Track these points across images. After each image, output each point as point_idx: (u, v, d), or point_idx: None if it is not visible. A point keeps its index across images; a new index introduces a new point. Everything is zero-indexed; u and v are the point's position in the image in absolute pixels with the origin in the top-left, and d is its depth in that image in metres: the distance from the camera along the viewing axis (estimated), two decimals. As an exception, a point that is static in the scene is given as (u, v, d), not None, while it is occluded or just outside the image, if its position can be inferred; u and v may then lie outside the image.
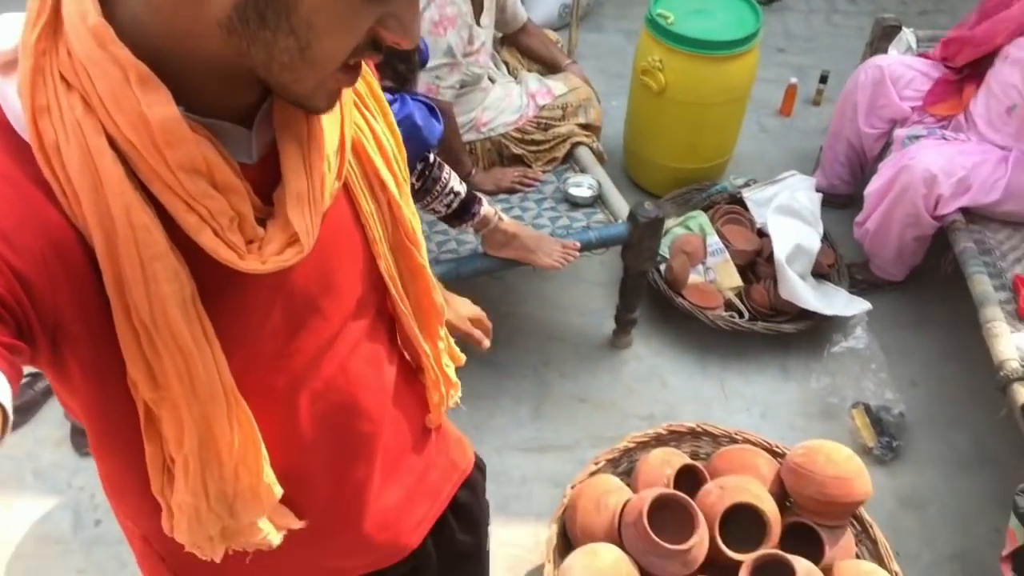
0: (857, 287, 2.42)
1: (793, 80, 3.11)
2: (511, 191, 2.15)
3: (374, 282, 0.78)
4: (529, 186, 2.16)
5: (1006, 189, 2.12)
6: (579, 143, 2.25)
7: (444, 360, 0.92)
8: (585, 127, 2.29)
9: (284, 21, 0.51)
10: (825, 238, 2.45)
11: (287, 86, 0.57)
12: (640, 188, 2.79)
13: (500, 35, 2.35)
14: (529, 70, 2.35)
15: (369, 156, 0.72)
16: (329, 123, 0.65)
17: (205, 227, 0.56)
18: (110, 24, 0.51)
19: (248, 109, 0.62)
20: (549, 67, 2.37)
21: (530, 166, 2.21)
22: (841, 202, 2.69)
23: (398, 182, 0.76)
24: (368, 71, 0.73)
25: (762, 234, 2.40)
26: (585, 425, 2.12)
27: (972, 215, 2.18)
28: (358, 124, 0.71)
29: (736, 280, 2.31)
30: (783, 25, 3.70)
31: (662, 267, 2.33)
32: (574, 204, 2.10)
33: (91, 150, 0.52)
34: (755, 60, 2.51)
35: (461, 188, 1.62)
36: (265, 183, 0.62)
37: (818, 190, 2.65)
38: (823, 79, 3.13)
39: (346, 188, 0.71)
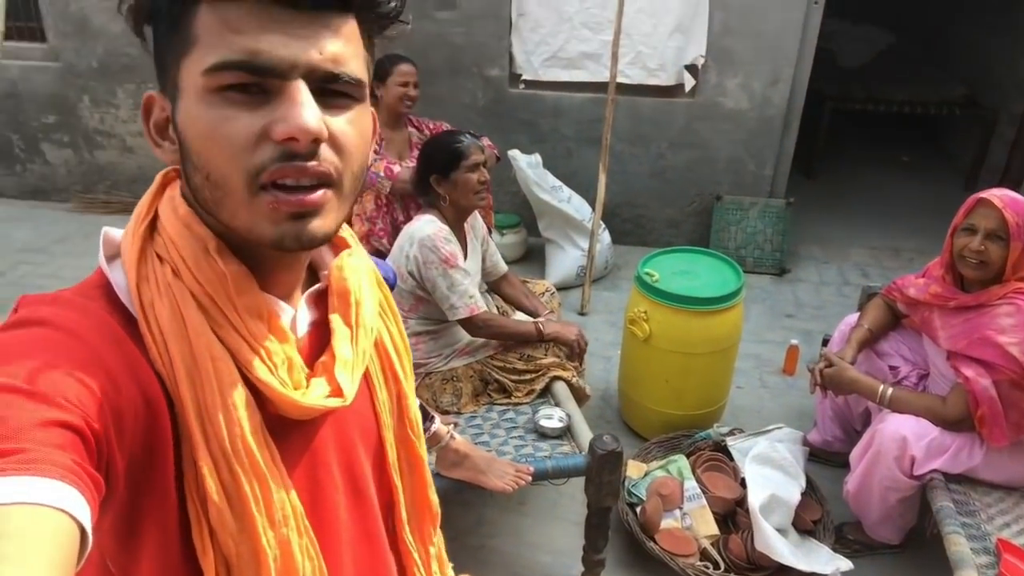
0: (849, 547, 2.31)
1: (794, 341, 3.22)
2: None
3: (381, 472, 0.85)
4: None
5: (984, 458, 2.08)
6: (558, 377, 2.37)
7: (433, 568, 0.93)
8: (568, 361, 2.42)
9: (189, 161, 0.64)
10: (813, 493, 2.39)
11: (233, 226, 0.64)
12: (633, 432, 2.83)
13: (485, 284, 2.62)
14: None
15: (387, 351, 0.85)
16: (370, 316, 0.80)
17: (262, 365, 0.67)
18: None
19: (294, 294, 0.76)
20: (528, 315, 2.58)
21: (511, 395, 2.33)
22: (839, 460, 2.64)
23: (407, 377, 0.87)
24: (387, 289, 0.88)
25: (745, 484, 2.36)
26: (538, 672, 1.99)
27: (958, 476, 2.12)
28: (378, 326, 0.84)
29: (713, 528, 2.25)
30: (794, 294, 3.90)
31: (638, 509, 2.30)
32: (543, 435, 2.17)
33: (179, 303, 0.65)
34: (738, 317, 2.66)
35: None
36: (308, 355, 0.75)
37: (814, 447, 2.64)
38: (825, 342, 3.22)
39: (366, 377, 0.82)
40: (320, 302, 0.78)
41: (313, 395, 0.70)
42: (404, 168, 2.99)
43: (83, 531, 0.52)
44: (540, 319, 2.48)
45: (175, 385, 0.64)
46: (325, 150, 0.63)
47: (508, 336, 2.36)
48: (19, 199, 4.92)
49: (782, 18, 3.81)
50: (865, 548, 2.33)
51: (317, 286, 0.78)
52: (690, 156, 4.14)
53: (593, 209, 3.77)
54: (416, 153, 3.14)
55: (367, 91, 0.68)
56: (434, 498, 0.92)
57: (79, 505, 0.52)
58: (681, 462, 2.42)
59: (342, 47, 0.63)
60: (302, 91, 0.60)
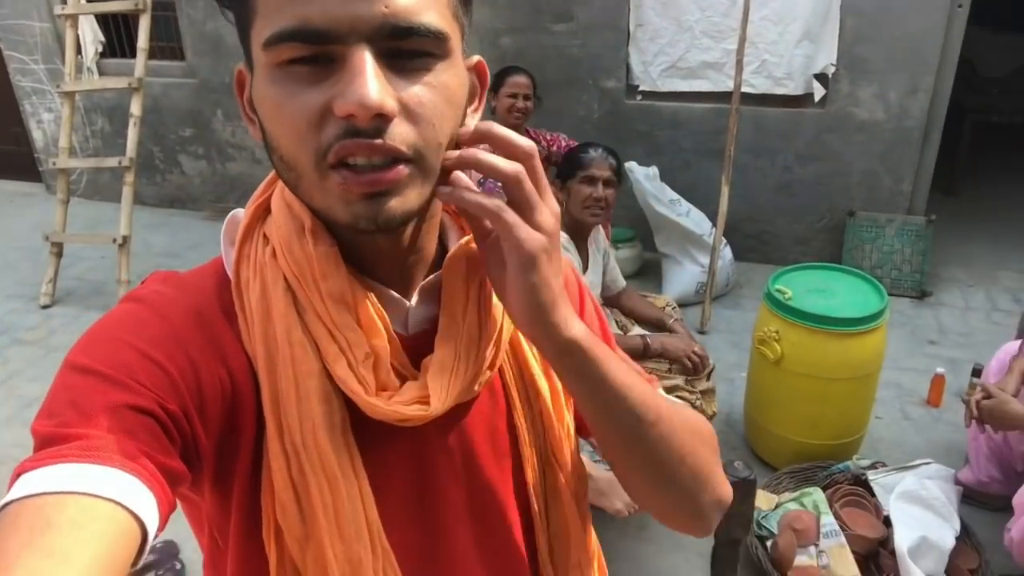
0: (1013, 604, 2.06)
1: (940, 371, 2.94)
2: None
3: (519, 496, 0.74)
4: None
5: None
6: (681, 399, 2.23)
7: None
8: (694, 387, 2.29)
9: (267, 141, 0.58)
10: (968, 539, 2.15)
11: (313, 208, 0.59)
12: (761, 460, 2.65)
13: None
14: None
15: (527, 360, 0.72)
16: (490, 311, 0.67)
17: (341, 358, 0.59)
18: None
19: (412, 283, 0.67)
20: (655, 325, 2.46)
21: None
22: (996, 503, 2.38)
23: (554, 394, 0.74)
24: None
25: (889, 523, 2.15)
26: None
27: None
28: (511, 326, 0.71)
29: (853, 570, 2.04)
30: (936, 319, 3.59)
31: (768, 543, 2.13)
32: (667, 459, 2.04)
33: (268, 283, 0.61)
34: (881, 341, 2.44)
35: None
36: (419, 355, 0.65)
37: (967, 487, 2.39)
38: (975, 372, 2.92)
39: (503, 389, 0.72)
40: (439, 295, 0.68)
41: (397, 400, 0.61)
42: None
43: (144, 531, 0.50)
44: (647, 333, 2.36)
45: (258, 369, 0.60)
46: (398, 124, 0.54)
47: None
48: (159, 207, 5.19)
49: (921, 23, 3.55)
50: (1032, 605, 2.07)
51: (431, 277, 0.67)
52: (820, 169, 3.90)
53: (714, 224, 3.61)
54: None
55: (452, 44, 0.57)
56: (584, 537, 0.77)
57: (141, 497, 0.50)
58: (817, 495, 2.23)
59: None
60: (362, 59, 0.52)
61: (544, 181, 0.59)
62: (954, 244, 4.20)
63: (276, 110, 0.55)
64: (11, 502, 0.48)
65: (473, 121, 0.64)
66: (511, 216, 0.57)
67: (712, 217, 3.65)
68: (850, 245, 3.89)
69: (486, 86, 0.67)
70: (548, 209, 0.59)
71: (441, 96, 0.56)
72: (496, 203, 0.57)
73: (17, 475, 0.50)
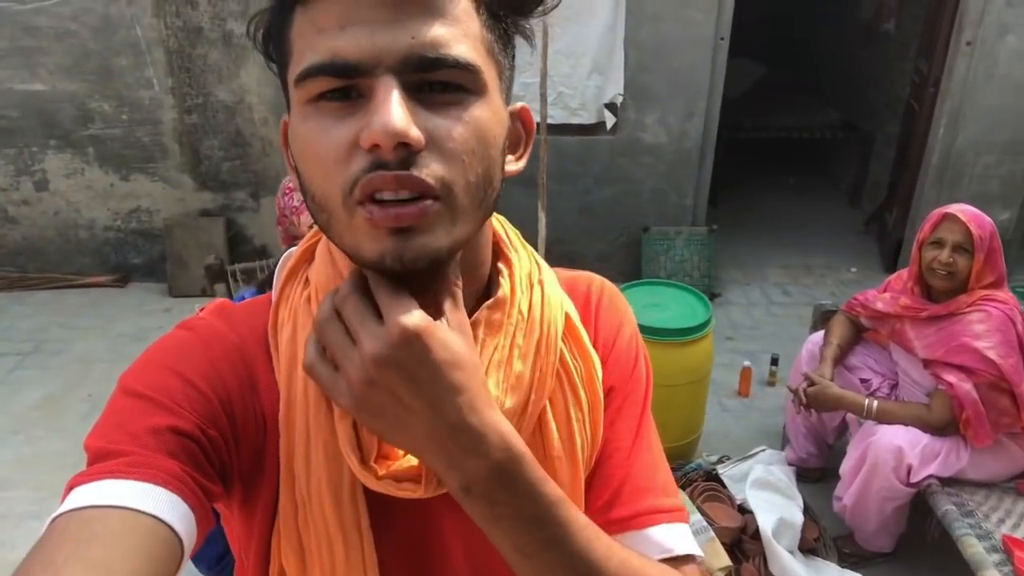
0: (847, 560, 2.37)
1: (746, 363, 3.31)
2: None
3: None
4: None
5: (970, 459, 2.19)
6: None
7: None
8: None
9: (301, 184, 0.56)
10: (806, 511, 2.44)
11: (344, 249, 0.55)
12: (615, 471, 2.80)
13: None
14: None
15: (550, 436, 0.66)
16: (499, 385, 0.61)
17: (348, 417, 0.57)
18: None
19: None
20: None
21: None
22: (814, 476, 2.73)
23: (575, 476, 0.67)
24: (590, 353, 0.71)
25: (743, 510, 2.38)
26: None
27: (948, 479, 2.22)
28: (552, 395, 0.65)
29: (724, 560, 2.24)
30: (728, 318, 4.03)
31: (648, 549, 2.26)
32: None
33: (299, 329, 0.61)
34: (710, 345, 2.70)
35: None
36: None
37: (790, 465, 2.71)
38: (774, 361, 3.34)
39: None
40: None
41: (391, 474, 0.58)
42: None
43: (180, 543, 0.52)
44: None
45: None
46: (426, 158, 0.51)
47: None
48: None
49: (692, 55, 3.99)
50: (860, 559, 2.40)
51: None
52: (615, 191, 4.22)
53: (533, 248, 3.75)
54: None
55: (485, 80, 0.55)
56: None
57: (180, 513, 0.52)
58: (681, 495, 2.41)
59: (444, 29, 0.52)
60: (387, 89, 0.50)
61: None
62: (727, 249, 4.73)
63: (307, 147, 0.54)
64: (62, 514, 0.50)
65: (516, 168, 0.63)
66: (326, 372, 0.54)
67: (529, 241, 3.79)
68: (647, 258, 4.24)
69: (532, 134, 0.66)
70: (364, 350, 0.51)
71: (472, 131, 0.53)
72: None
73: (69, 488, 0.52)
